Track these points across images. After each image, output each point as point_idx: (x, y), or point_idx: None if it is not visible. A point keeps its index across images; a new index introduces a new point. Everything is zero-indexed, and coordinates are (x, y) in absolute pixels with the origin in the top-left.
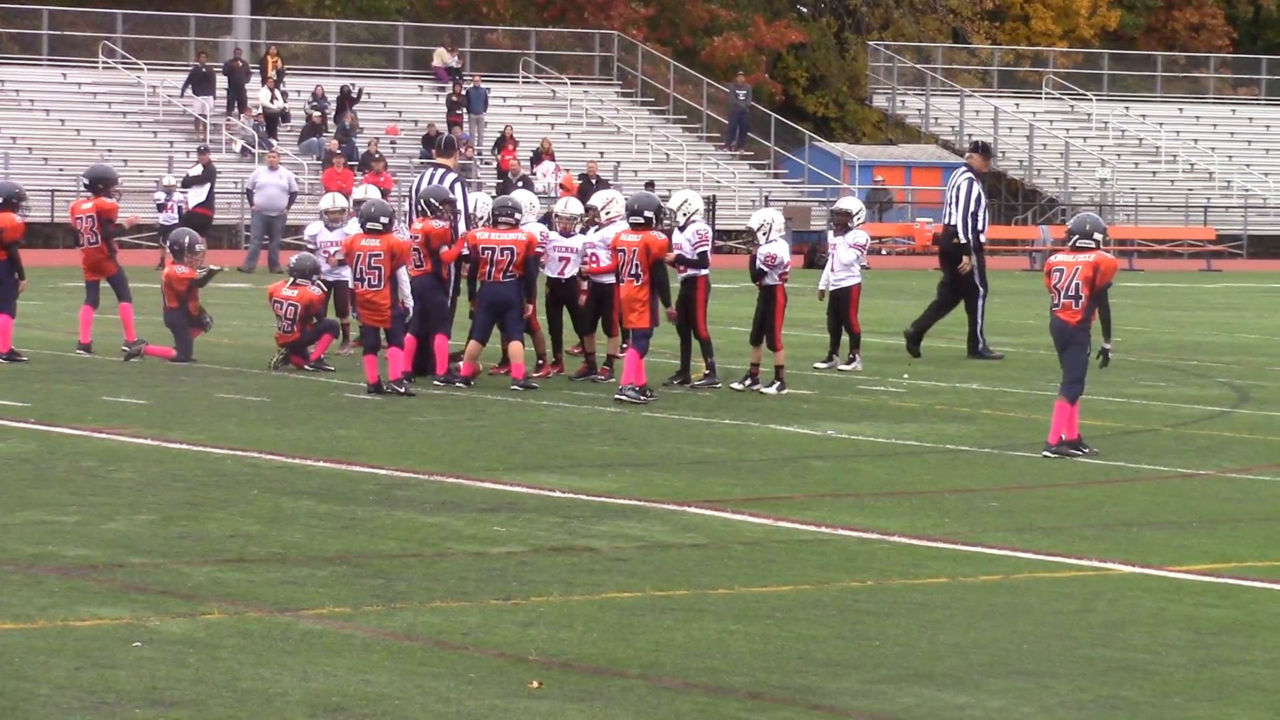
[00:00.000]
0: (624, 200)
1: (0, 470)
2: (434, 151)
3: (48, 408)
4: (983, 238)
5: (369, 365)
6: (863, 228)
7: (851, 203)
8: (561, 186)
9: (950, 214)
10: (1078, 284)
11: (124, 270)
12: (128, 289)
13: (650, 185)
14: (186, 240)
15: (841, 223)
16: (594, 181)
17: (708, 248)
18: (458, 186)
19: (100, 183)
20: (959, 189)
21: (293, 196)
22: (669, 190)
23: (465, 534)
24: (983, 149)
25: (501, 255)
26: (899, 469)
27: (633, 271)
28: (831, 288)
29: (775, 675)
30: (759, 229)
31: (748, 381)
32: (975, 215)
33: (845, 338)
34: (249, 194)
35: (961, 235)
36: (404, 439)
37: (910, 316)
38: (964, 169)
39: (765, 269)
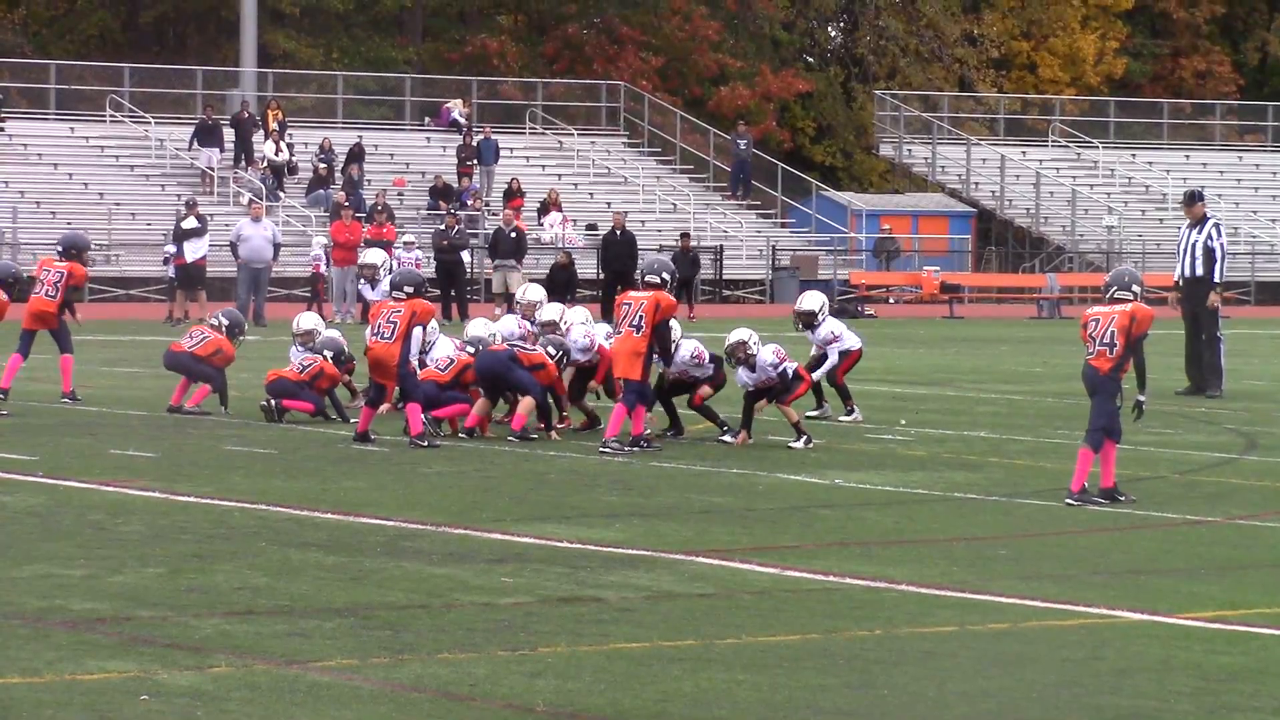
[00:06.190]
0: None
1: (8, 523)
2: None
3: (55, 461)
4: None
5: (365, 415)
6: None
7: (814, 300)
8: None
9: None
10: (1113, 332)
11: (66, 325)
12: (70, 341)
13: (685, 236)
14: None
15: (807, 323)
16: (619, 234)
17: (706, 354)
18: None
19: (74, 249)
20: (1212, 237)
21: (277, 248)
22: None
23: (473, 585)
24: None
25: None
26: (906, 517)
27: (635, 322)
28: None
29: None
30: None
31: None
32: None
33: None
34: (233, 247)
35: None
36: (411, 490)
37: (916, 366)
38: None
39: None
